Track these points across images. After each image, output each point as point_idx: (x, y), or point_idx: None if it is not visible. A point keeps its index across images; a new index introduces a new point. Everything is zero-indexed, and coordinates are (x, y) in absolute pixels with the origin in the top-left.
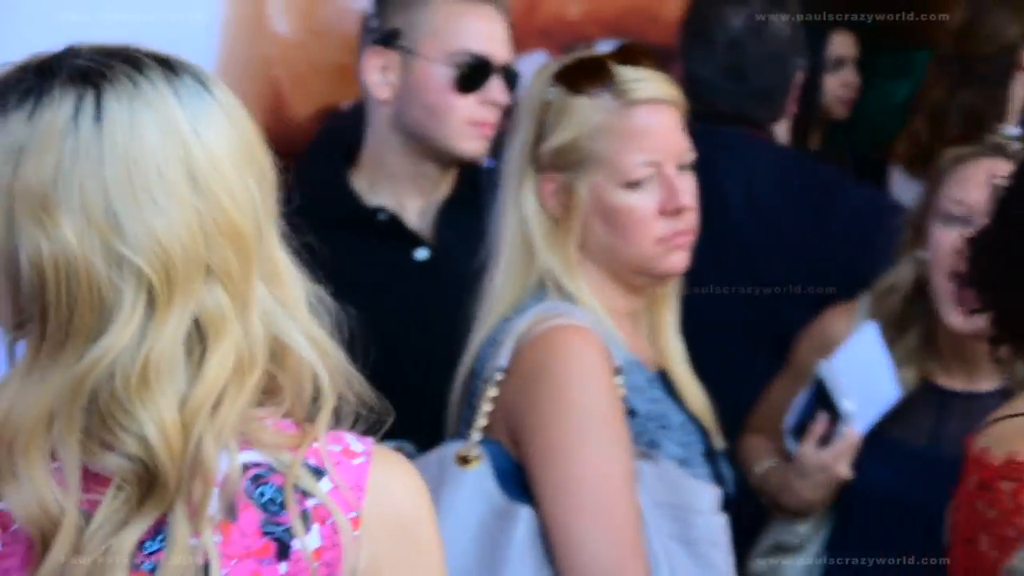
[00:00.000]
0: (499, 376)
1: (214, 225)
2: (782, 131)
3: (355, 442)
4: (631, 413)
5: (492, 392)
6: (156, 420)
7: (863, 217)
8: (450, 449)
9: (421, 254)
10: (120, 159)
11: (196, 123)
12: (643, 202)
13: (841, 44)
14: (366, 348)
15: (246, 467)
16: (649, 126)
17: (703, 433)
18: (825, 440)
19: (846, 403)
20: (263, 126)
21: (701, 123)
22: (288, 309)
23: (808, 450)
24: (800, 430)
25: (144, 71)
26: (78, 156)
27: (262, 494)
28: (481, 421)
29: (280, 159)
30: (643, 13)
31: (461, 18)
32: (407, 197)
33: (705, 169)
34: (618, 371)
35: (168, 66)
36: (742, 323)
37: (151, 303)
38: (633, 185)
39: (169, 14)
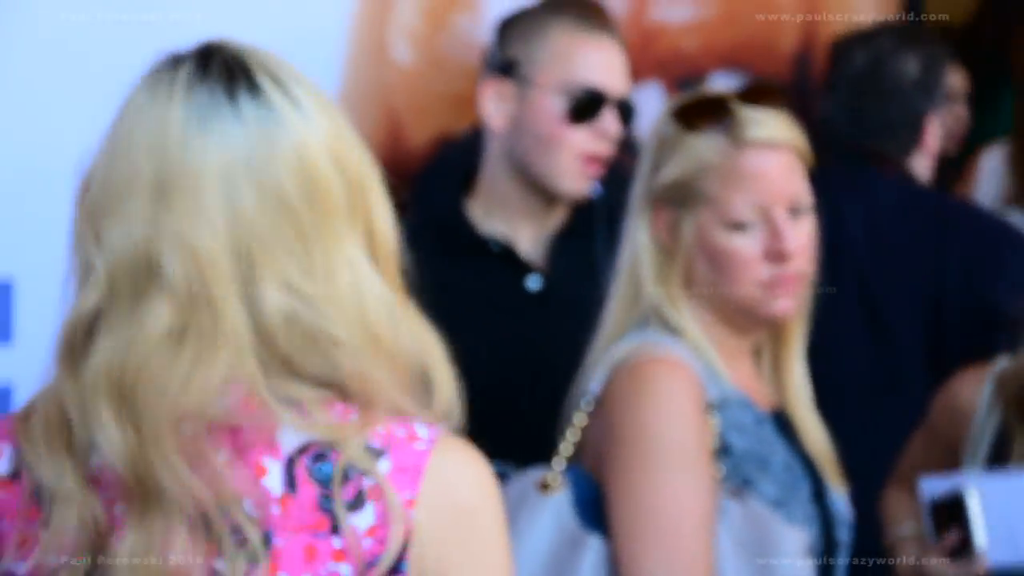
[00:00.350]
0: (588, 403)
1: (171, 237)
2: (923, 167)
3: (423, 429)
4: (725, 450)
5: (580, 419)
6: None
7: (988, 247)
8: (534, 474)
9: (533, 283)
10: (114, 155)
11: (191, 130)
12: (747, 245)
13: (953, 79)
14: (473, 373)
15: (308, 446)
16: (759, 168)
17: (816, 475)
18: (957, 552)
19: (982, 537)
20: (382, 153)
21: (829, 160)
22: (334, 307)
23: (934, 564)
24: (937, 516)
25: (178, 66)
26: (106, 143)
27: (321, 470)
28: (567, 448)
29: (397, 186)
30: (759, 46)
31: (577, 49)
32: (520, 226)
33: (827, 208)
34: (711, 407)
35: (203, 65)
36: (863, 365)
37: (101, 300)
38: (738, 227)
39: (294, 44)
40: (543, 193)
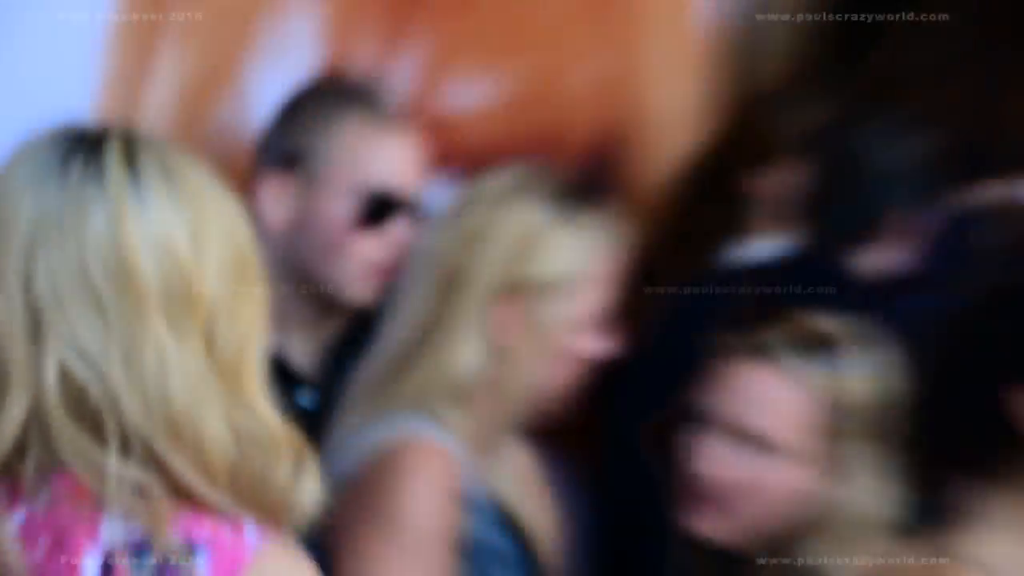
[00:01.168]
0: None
1: None
2: None
3: (253, 530)
4: (472, 548)
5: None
6: None
7: None
8: None
9: (306, 399)
10: None
11: (18, 184)
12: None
13: None
14: None
15: (128, 538)
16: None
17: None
18: None
19: None
20: None
21: None
22: (131, 386)
23: None
24: None
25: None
26: None
27: (140, 566)
28: None
29: None
30: (553, 135)
31: (371, 145)
32: (292, 334)
33: None
34: (464, 501)
35: (75, 137)
36: None
37: None
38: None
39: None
40: (323, 301)
